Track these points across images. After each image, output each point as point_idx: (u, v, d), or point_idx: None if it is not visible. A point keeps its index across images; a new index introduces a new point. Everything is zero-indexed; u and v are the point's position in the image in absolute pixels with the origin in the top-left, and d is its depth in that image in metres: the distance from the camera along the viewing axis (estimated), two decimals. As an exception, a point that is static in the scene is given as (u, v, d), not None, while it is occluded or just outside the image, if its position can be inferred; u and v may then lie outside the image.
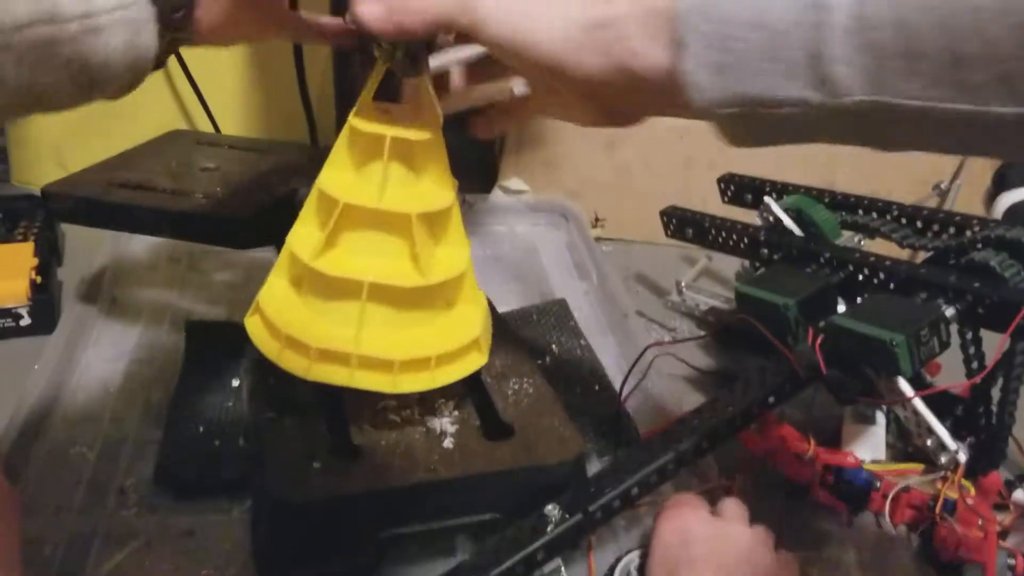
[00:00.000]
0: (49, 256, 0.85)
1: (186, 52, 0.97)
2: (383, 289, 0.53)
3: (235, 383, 0.70)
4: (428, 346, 0.55)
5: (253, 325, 0.57)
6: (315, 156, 0.79)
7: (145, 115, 1.02)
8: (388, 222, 0.53)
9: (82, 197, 0.69)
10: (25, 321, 0.78)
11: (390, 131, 0.52)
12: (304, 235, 0.55)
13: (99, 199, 0.69)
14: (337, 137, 0.64)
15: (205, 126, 1.02)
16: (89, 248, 0.88)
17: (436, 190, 0.55)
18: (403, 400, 0.60)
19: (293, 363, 0.54)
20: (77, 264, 0.88)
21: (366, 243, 0.54)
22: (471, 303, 0.59)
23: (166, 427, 0.64)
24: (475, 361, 0.58)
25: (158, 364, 0.73)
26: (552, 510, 0.53)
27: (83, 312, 0.78)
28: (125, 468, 0.62)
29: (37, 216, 0.92)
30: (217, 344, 0.74)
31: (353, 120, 0.53)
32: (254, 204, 0.68)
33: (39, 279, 0.80)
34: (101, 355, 0.74)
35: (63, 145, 1.03)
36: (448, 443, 0.57)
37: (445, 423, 0.59)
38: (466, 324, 0.58)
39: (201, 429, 0.64)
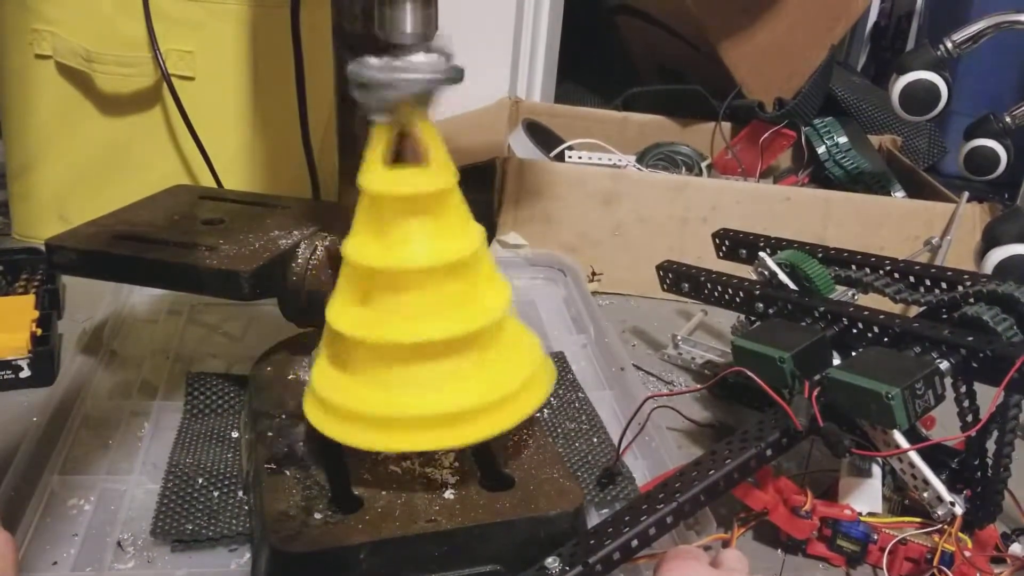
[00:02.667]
0: (50, 308, 0.85)
1: (189, 108, 0.99)
2: (428, 346, 0.54)
3: (234, 435, 0.70)
4: (481, 393, 0.56)
5: (311, 408, 0.58)
6: (318, 210, 0.80)
7: (147, 170, 1.03)
8: (422, 281, 0.54)
9: (85, 250, 0.70)
10: (25, 373, 0.78)
11: (404, 188, 0.53)
12: (342, 306, 0.56)
13: (101, 251, 0.70)
14: (340, 190, 0.65)
15: (207, 180, 1.03)
16: (90, 300, 0.89)
17: (461, 236, 0.56)
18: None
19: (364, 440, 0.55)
20: (77, 316, 0.88)
21: (403, 306, 0.55)
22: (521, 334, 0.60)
23: (164, 479, 0.65)
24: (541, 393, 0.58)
25: (157, 416, 0.73)
26: (553, 563, 0.53)
27: (83, 364, 0.78)
28: (123, 521, 0.62)
29: (38, 269, 0.93)
30: (217, 396, 0.74)
31: (363, 183, 0.54)
32: (256, 257, 0.69)
33: (39, 331, 0.81)
34: (100, 407, 0.74)
35: (65, 199, 1.04)
36: (449, 494, 0.57)
37: (445, 474, 0.59)
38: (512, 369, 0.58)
39: (200, 481, 0.64)
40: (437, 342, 0.54)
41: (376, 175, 0.54)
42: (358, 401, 0.55)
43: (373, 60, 0.52)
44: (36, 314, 0.82)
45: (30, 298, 0.85)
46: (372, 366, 0.55)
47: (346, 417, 0.55)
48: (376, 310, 0.55)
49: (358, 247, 0.55)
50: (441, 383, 0.55)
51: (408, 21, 0.52)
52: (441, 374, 0.55)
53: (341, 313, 0.56)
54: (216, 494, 0.63)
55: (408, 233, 0.54)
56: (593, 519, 0.65)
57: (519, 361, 0.59)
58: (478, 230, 0.57)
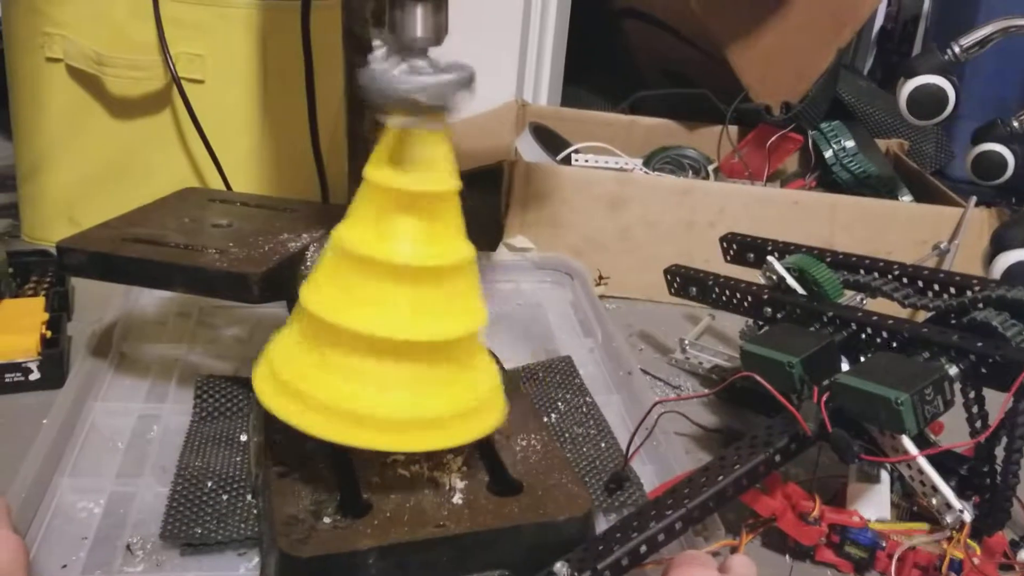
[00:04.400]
0: (60, 311, 0.85)
1: (199, 111, 1.00)
2: (399, 344, 0.54)
3: (243, 438, 0.70)
4: (447, 404, 0.55)
5: (261, 381, 0.57)
6: (327, 214, 0.80)
7: (157, 173, 1.03)
8: (407, 277, 0.54)
9: (95, 252, 0.70)
10: (35, 375, 0.78)
11: (407, 184, 0.53)
12: (320, 290, 0.56)
13: (111, 254, 0.70)
14: (349, 194, 0.65)
15: (217, 183, 1.03)
16: (99, 303, 0.89)
17: (454, 244, 0.56)
18: (412, 455, 0.60)
19: (306, 421, 0.54)
20: (87, 319, 0.88)
21: (382, 297, 0.54)
22: (486, 360, 0.59)
23: (174, 483, 0.65)
24: (494, 419, 0.58)
25: (166, 419, 0.73)
26: (561, 568, 0.53)
27: (93, 367, 0.78)
28: (132, 525, 0.62)
29: (48, 271, 0.93)
30: (226, 399, 0.74)
31: (370, 173, 0.54)
32: (265, 260, 0.69)
33: (49, 334, 0.81)
34: (109, 410, 0.74)
35: (75, 202, 1.04)
36: (457, 499, 0.57)
37: (454, 478, 0.59)
38: (484, 380, 0.58)
39: (209, 484, 0.64)
40: (407, 342, 0.54)
41: (381, 167, 0.54)
42: (315, 385, 0.54)
43: (400, 66, 0.52)
44: (46, 316, 0.82)
45: (40, 300, 0.86)
46: (339, 354, 0.55)
47: (300, 399, 0.55)
48: (353, 298, 0.55)
49: (348, 232, 0.55)
50: (410, 385, 0.55)
51: (420, 25, 0.53)
52: (410, 376, 0.55)
53: (317, 294, 0.56)
54: (225, 497, 0.63)
55: (400, 228, 0.54)
56: (601, 524, 0.65)
57: (480, 380, 0.59)
58: (470, 245, 0.57)
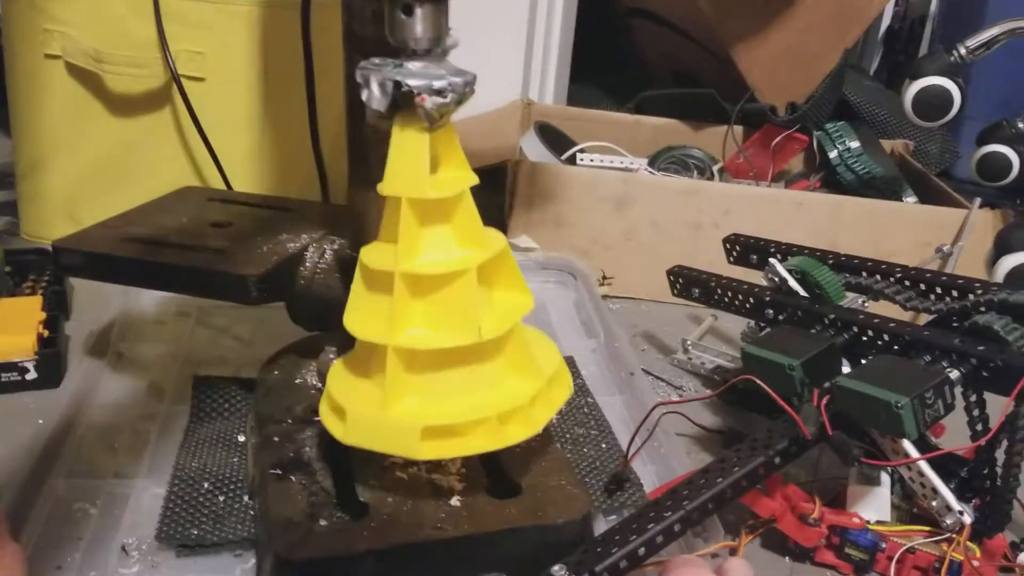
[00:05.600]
0: (57, 310, 0.85)
1: (199, 109, 0.99)
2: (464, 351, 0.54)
3: (241, 439, 0.70)
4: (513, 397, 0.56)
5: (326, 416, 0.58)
6: (327, 213, 0.80)
7: (157, 172, 1.03)
8: (454, 280, 0.54)
9: (92, 252, 0.70)
10: (31, 375, 0.78)
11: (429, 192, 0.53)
12: (364, 313, 0.56)
13: (109, 254, 0.70)
14: (349, 194, 0.65)
15: (216, 182, 1.03)
16: (97, 302, 0.88)
17: (485, 235, 0.56)
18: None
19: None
20: (85, 318, 0.88)
21: (436, 309, 0.55)
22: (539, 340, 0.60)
23: (170, 483, 0.64)
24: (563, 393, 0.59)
25: (164, 420, 0.73)
26: (559, 571, 0.52)
27: (90, 366, 0.78)
28: (128, 526, 0.62)
29: (46, 270, 0.93)
30: (223, 400, 0.74)
31: (391, 187, 0.54)
32: (264, 261, 0.68)
33: (46, 333, 0.81)
34: (106, 410, 0.74)
35: (74, 200, 1.04)
36: (455, 501, 0.57)
37: (452, 480, 0.59)
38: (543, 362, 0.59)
39: (206, 485, 0.64)
40: (465, 348, 0.54)
41: (406, 180, 0.53)
42: (395, 409, 0.54)
43: (412, 65, 0.52)
44: (43, 315, 0.82)
45: (37, 299, 0.85)
46: (411, 372, 0.55)
47: (372, 424, 0.54)
48: (400, 317, 0.54)
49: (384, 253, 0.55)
50: (472, 388, 0.55)
51: (419, 27, 0.52)
52: (471, 379, 0.55)
53: (366, 320, 0.56)
54: (222, 499, 0.63)
55: (436, 237, 0.54)
56: (601, 525, 0.64)
57: (539, 367, 0.58)
58: (498, 233, 0.58)
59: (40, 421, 0.70)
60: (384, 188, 0.54)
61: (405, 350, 0.54)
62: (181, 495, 0.63)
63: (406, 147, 0.53)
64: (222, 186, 1.03)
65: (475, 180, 0.56)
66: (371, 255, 0.55)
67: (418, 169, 0.53)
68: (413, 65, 0.52)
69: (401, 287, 0.53)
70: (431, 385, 0.55)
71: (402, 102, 0.52)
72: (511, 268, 0.58)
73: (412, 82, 0.51)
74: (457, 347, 0.54)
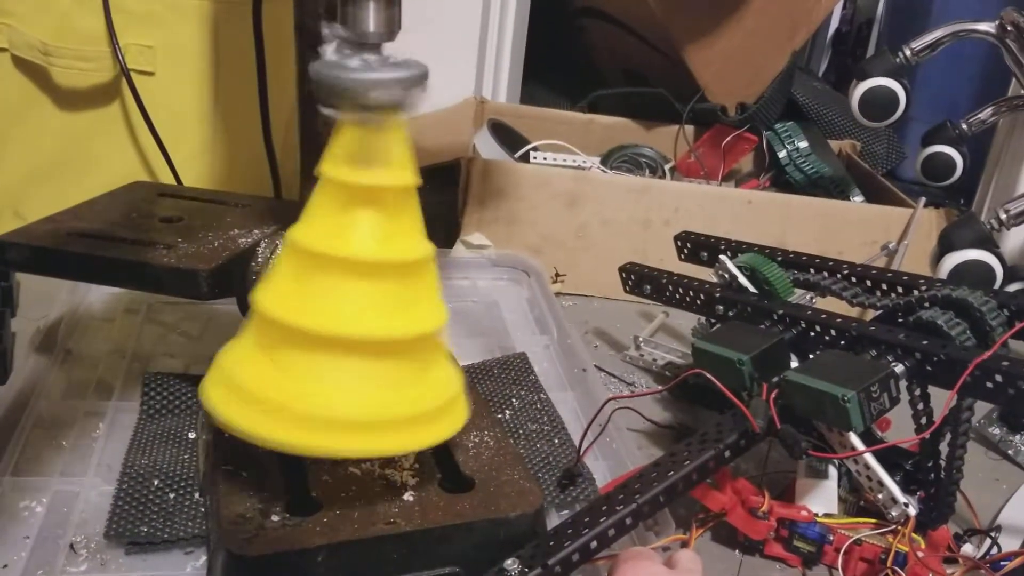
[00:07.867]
0: (3, 306, 0.83)
1: (149, 104, 0.98)
2: (356, 342, 0.52)
3: (191, 436, 0.69)
4: (410, 404, 0.54)
5: (211, 387, 0.55)
6: (279, 209, 0.79)
7: (105, 167, 1.01)
8: (364, 272, 0.53)
9: (39, 247, 0.69)
10: (-24, 372, 0.77)
11: (365, 179, 0.52)
12: (274, 290, 0.54)
13: (56, 248, 0.68)
14: (301, 189, 0.64)
15: (167, 177, 1.02)
16: (45, 298, 0.87)
17: (413, 240, 0.55)
18: (363, 453, 0.60)
19: (259, 427, 0.52)
20: (32, 315, 0.87)
21: (338, 294, 0.53)
22: (447, 361, 0.59)
23: (119, 481, 0.64)
24: (458, 420, 0.57)
25: (112, 417, 0.72)
26: (512, 564, 0.53)
27: (37, 363, 0.76)
28: (76, 524, 0.61)
29: (-9, 266, 0.91)
30: (174, 396, 0.73)
31: (325, 169, 0.53)
32: (215, 256, 0.68)
33: (-8, 329, 0.79)
34: (53, 407, 0.72)
35: (20, 195, 1.02)
36: (408, 496, 0.57)
37: (405, 475, 0.59)
38: (446, 382, 0.57)
39: (156, 483, 0.63)
40: (373, 340, 0.53)
41: (336, 163, 0.52)
42: (269, 388, 0.52)
43: (353, 60, 0.51)
44: (-11, 312, 0.81)
45: (-18, 295, 0.84)
46: (294, 354, 0.53)
47: (254, 403, 0.52)
48: (308, 295, 0.53)
49: (303, 229, 0.54)
50: (367, 384, 0.53)
51: (372, 20, 0.52)
52: (367, 375, 0.53)
53: (270, 294, 0.54)
54: (172, 496, 0.63)
55: (357, 223, 0.53)
56: (554, 520, 0.65)
57: (442, 382, 0.57)
58: (429, 243, 0.56)
59: (-15, 419, 0.69)
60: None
61: (343, 337, 0.52)
62: (130, 492, 0.62)
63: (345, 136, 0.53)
64: (172, 181, 1.01)
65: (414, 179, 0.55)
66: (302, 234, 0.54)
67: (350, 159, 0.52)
68: (365, 58, 0.52)
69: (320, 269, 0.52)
70: (368, 375, 0.53)
71: (347, 95, 0.52)
72: (434, 282, 0.57)
73: (359, 76, 0.51)
74: (393, 338, 0.53)
